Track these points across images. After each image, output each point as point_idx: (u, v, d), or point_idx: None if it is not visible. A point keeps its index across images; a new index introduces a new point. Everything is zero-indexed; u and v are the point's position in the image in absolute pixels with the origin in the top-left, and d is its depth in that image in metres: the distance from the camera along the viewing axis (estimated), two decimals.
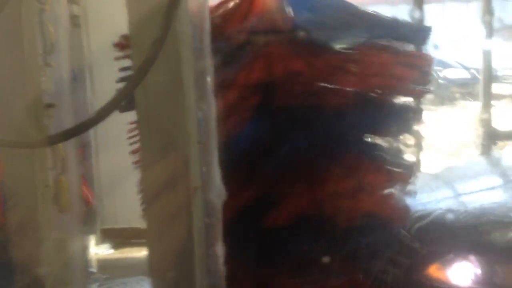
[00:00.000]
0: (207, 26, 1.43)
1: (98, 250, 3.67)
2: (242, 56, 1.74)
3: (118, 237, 3.83)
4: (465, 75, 9.73)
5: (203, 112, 1.39)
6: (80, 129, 1.27)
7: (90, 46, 4.21)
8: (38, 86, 1.32)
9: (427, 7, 4.80)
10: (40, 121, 1.31)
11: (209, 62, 1.42)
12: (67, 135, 1.24)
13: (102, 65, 4.11)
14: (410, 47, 2.05)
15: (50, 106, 1.34)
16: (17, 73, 1.31)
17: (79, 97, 3.88)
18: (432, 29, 2.06)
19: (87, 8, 4.20)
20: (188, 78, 1.28)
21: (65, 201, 1.38)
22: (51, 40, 1.36)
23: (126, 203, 3.83)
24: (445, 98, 8.72)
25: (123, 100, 1.25)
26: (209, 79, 1.42)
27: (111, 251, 3.76)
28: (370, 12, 2.01)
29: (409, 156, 2.04)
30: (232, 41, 1.72)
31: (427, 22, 4.52)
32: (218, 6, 1.82)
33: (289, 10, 1.77)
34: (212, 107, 1.43)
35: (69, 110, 1.46)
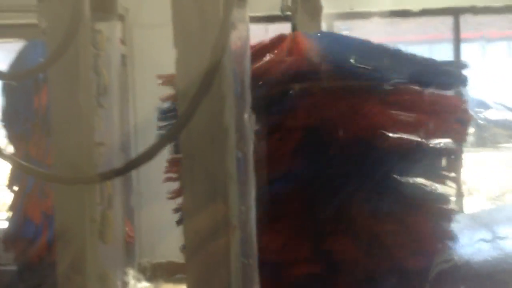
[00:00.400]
0: (248, 69, 1.50)
1: (136, 284, 3.71)
2: (285, 100, 1.79)
3: (156, 271, 3.87)
4: (507, 116, 9.52)
5: (243, 153, 1.44)
6: (130, 167, 1.34)
7: (135, 84, 4.41)
8: (91, 126, 1.41)
9: (466, 46, 4.79)
10: (91, 159, 1.40)
11: (249, 104, 1.49)
12: (117, 172, 1.30)
13: (145, 103, 4.29)
14: (449, 89, 2.06)
15: (100, 144, 1.42)
16: (72, 113, 1.41)
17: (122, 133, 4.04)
18: (469, 68, 2.05)
19: (134, 48, 4.43)
20: (230, 121, 1.34)
21: (110, 236, 1.44)
22: (104, 83, 1.46)
23: (164, 237, 3.91)
24: (487, 140, 8.53)
25: (170, 142, 1.32)
26: (249, 120, 1.49)
27: (149, 285, 3.80)
28: (408, 53, 2.05)
29: (450, 198, 2.01)
30: (274, 86, 1.78)
31: (466, 62, 4.51)
32: (258, 50, 1.89)
33: (329, 53, 1.84)
34: (251, 148, 1.49)
35: (117, 148, 1.54)
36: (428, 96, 1.94)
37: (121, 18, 4.33)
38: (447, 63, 2.17)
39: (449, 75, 2.03)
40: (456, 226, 1.95)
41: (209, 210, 1.31)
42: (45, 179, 1.46)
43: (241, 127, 1.46)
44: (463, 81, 2.02)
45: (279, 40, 1.93)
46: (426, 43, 8.60)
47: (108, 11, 1.54)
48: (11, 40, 4.13)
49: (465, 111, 2.00)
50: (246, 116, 1.47)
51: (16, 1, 3.70)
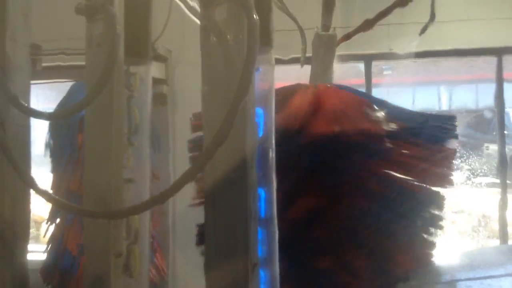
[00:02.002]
0: (272, 110, 1.55)
1: None
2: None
3: None
4: None
5: (266, 191, 1.47)
6: (155, 201, 1.39)
7: (175, 122, 4.56)
8: (121, 163, 1.49)
9: (509, 86, 4.70)
10: (120, 195, 1.46)
11: (272, 144, 1.52)
12: (142, 207, 1.36)
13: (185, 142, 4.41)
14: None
15: (129, 181, 1.49)
16: (104, 150, 1.49)
17: (161, 169, 4.16)
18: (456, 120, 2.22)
19: (175, 87, 4.60)
20: (252, 158, 1.38)
21: (136, 270, 1.49)
22: (136, 122, 1.54)
23: (198, 276, 3.91)
24: None
25: (194, 177, 1.36)
26: (272, 158, 1.52)
27: None
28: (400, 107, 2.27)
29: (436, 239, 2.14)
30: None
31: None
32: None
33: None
34: (273, 186, 1.52)
35: (146, 183, 1.60)
36: (417, 147, 2.08)
37: (164, 59, 4.53)
38: (436, 117, 2.26)
39: (439, 129, 2.16)
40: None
41: (229, 248, 1.34)
42: (75, 212, 1.53)
43: (264, 166, 1.49)
44: (452, 134, 2.15)
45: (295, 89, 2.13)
46: (469, 83, 8.46)
47: (142, 55, 1.64)
48: (62, 80, 4.37)
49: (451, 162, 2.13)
50: (270, 155, 1.51)
51: (69, 44, 3.95)
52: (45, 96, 5.32)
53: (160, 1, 2.94)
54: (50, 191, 3.27)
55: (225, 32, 1.40)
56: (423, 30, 2.50)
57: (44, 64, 4.13)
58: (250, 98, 1.40)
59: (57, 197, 1.57)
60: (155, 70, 4.36)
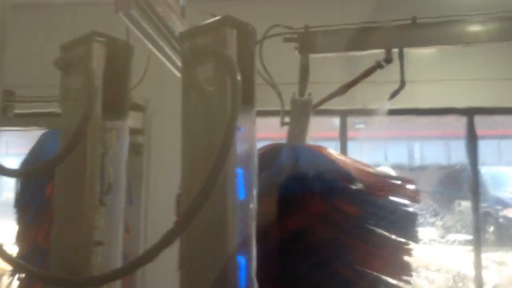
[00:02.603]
0: (254, 170, 1.50)
1: None
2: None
3: None
4: None
5: (246, 258, 1.40)
6: (129, 269, 1.30)
7: (150, 172, 4.46)
8: (91, 224, 1.40)
9: (481, 143, 4.80)
10: (89, 259, 1.36)
11: (254, 206, 1.46)
12: (113, 276, 1.26)
13: (160, 192, 4.31)
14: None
15: (99, 244, 1.39)
16: (74, 210, 1.40)
17: (133, 221, 4.02)
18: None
19: (152, 136, 4.54)
20: (232, 223, 1.32)
21: None
22: (109, 181, 1.47)
23: None
24: (506, 239, 8.27)
25: (171, 242, 1.29)
26: (253, 223, 1.46)
27: None
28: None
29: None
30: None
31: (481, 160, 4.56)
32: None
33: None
34: (254, 252, 1.45)
35: (118, 246, 1.50)
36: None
37: (141, 108, 4.49)
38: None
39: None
40: None
41: None
42: (39, 279, 1.42)
43: (245, 231, 1.42)
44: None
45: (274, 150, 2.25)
46: (441, 139, 8.66)
47: (120, 110, 1.59)
48: (35, 128, 4.26)
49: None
50: (250, 219, 1.44)
51: (42, 92, 3.88)
52: (16, 143, 5.17)
53: (138, 50, 2.94)
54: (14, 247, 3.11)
55: (207, 90, 1.37)
56: (393, 96, 2.61)
57: (16, 111, 4.03)
58: (231, 158, 1.36)
59: (19, 261, 1.45)
60: (131, 119, 4.31)
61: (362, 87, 4.52)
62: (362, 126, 6.63)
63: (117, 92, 1.58)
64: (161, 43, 2.79)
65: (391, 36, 2.62)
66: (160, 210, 3.73)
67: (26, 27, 4.66)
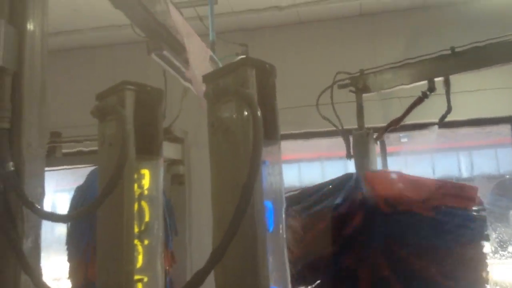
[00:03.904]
0: (282, 202, 1.55)
1: None
2: None
3: None
4: None
5: (278, 286, 1.44)
6: None
7: (191, 201, 4.57)
8: (131, 262, 1.48)
9: None
10: None
11: (283, 238, 1.50)
12: None
13: (202, 221, 4.40)
14: None
15: (139, 281, 1.47)
16: (115, 250, 1.49)
17: (179, 251, 4.12)
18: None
19: (191, 167, 4.66)
20: (262, 257, 1.36)
21: None
22: (146, 220, 1.55)
23: None
24: None
25: (205, 277, 1.34)
26: (284, 254, 1.49)
27: None
28: None
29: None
30: None
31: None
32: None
33: None
34: (288, 280, 1.48)
35: (159, 282, 1.58)
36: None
37: (181, 140, 4.63)
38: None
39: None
40: None
41: None
42: None
43: (276, 262, 1.46)
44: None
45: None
46: (489, 148, 8.38)
47: (153, 152, 1.68)
48: (81, 166, 4.47)
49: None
50: (281, 250, 1.48)
51: (86, 131, 4.08)
52: (65, 180, 5.42)
53: (175, 87, 3.07)
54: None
55: (231, 128, 1.44)
56: (441, 120, 2.91)
57: (64, 151, 4.25)
58: (257, 191, 1.41)
59: None
60: (172, 151, 4.46)
61: (400, 102, 4.54)
62: (406, 140, 6.55)
63: (149, 134, 1.67)
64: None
65: (433, 67, 2.88)
66: (204, 238, 3.82)
67: (68, 70, 4.95)
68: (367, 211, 2.39)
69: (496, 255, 5.43)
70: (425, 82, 2.89)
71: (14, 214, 1.48)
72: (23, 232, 1.49)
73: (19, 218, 1.49)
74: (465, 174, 8.98)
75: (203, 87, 1.56)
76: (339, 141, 3.32)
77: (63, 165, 4.03)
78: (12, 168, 1.44)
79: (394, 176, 2.65)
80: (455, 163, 9.13)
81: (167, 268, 3.44)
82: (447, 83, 2.85)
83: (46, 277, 1.49)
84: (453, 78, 2.97)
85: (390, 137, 4.92)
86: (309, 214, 2.54)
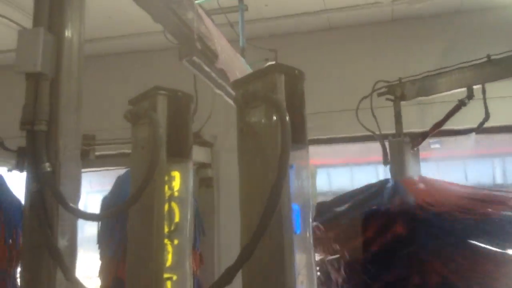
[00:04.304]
0: (310, 205, 1.57)
1: None
2: None
3: None
4: None
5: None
6: None
7: (220, 204, 4.63)
8: (161, 262, 1.52)
9: None
10: None
11: (310, 241, 1.52)
12: None
13: (229, 223, 4.45)
14: None
15: (168, 279, 1.51)
16: (145, 249, 1.53)
17: (206, 252, 4.18)
18: None
19: (220, 170, 4.72)
20: (290, 256, 1.38)
21: None
22: (176, 221, 1.59)
23: None
24: None
25: (233, 277, 1.37)
26: (311, 256, 1.51)
27: None
28: None
29: None
30: None
31: None
32: None
33: None
34: (315, 282, 1.50)
35: (187, 281, 1.61)
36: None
37: (210, 144, 4.70)
38: None
39: None
40: None
41: None
42: None
43: (303, 264, 1.48)
44: None
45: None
46: None
47: (183, 155, 1.73)
48: (114, 168, 4.57)
49: None
50: (308, 252, 1.51)
51: (119, 134, 4.19)
52: (99, 181, 5.56)
53: (205, 92, 3.13)
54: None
55: (260, 132, 1.47)
56: (479, 127, 2.95)
57: (97, 153, 4.37)
58: (285, 194, 1.43)
59: None
60: (201, 154, 4.53)
61: (409, 111, 4.52)
62: (437, 146, 6.45)
63: (180, 138, 1.72)
64: (224, 84, 2.96)
65: (470, 75, 2.94)
66: (231, 240, 3.86)
67: (102, 75, 5.09)
68: (408, 217, 2.42)
69: None
70: (462, 89, 2.94)
71: (50, 213, 1.55)
72: (58, 231, 1.55)
73: (55, 217, 1.55)
74: (498, 181, 8.77)
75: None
76: (367, 146, 3.33)
77: (96, 167, 4.14)
78: (49, 169, 1.51)
79: (433, 182, 2.73)
80: (488, 170, 8.93)
81: (195, 269, 3.49)
82: (483, 91, 2.90)
83: (78, 275, 1.56)
84: (488, 84, 2.97)
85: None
86: (348, 220, 2.57)
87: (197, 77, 2.87)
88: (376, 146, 3.19)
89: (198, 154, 4.28)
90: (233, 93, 2.49)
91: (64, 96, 1.57)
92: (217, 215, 4.56)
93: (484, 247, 2.32)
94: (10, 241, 3.12)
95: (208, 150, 4.61)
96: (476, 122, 3.44)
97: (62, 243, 1.57)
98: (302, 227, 1.50)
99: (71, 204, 1.48)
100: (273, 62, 1.53)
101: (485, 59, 2.87)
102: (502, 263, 2.33)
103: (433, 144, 6.34)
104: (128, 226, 1.62)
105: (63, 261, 1.47)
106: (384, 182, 2.76)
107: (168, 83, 1.74)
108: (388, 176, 3.02)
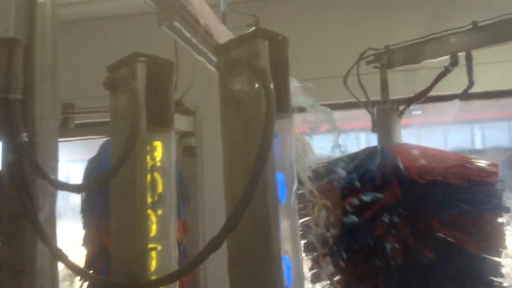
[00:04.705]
0: (293, 173, 1.56)
1: None
2: None
3: None
4: None
5: (291, 259, 1.46)
6: (182, 272, 1.40)
7: (203, 173, 4.61)
8: (144, 232, 1.51)
9: None
10: (145, 264, 1.47)
11: (295, 209, 1.52)
12: (168, 279, 1.36)
13: (214, 191, 4.44)
14: None
15: (153, 249, 1.50)
16: (128, 220, 1.51)
17: (192, 220, 4.19)
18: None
19: (203, 139, 4.69)
20: (275, 226, 1.38)
21: None
22: (159, 190, 1.57)
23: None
24: None
25: (218, 246, 1.36)
26: (296, 225, 1.51)
27: None
28: None
29: None
30: None
31: None
32: None
33: None
34: (300, 253, 1.50)
35: (172, 251, 1.61)
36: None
37: (192, 113, 4.64)
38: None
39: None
40: None
41: None
42: (101, 284, 1.55)
43: (288, 233, 1.48)
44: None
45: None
46: (503, 121, 8.28)
47: (165, 124, 1.69)
48: (95, 137, 4.50)
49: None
50: (292, 221, 1.50)
51: (100, 102, 4.11)
52: (78, 150, 5.49)
53: (187, 57, 3.06)
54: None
55: (243, 101, 1.44)
56: (463, 94, 2.95)
57: (76, 122, 4.28)
58: (270, 164, 1.41)
59: (84, 269, 1.59)
60: (183, 123, 4.47)
61: (413, 74, 4.51)
62: (419, 112, 6.49)
63: (161, 106, 1.68)
64: (205, 50, 2.89)
65: (456, 42, 2.92)
66: (216, 208, 3.87)
67: (79, 41, 4.94)
68: (402, 182, 2.47)
69: (507, 227, 5.44)
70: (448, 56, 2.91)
71: (28, 183, 1.51)
72: (38, 201, 1.52)
73: (33, 188, 1.52)
74: (477, 146, 8.92)
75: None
76: (349, 113, 3.29)
77: (76, 136, 4.07)
78: (26, 139, 1.46)
79: (418, 149, 2.75)
80: (468, 135, 9.06)
81: (180, 237, 3.50)
82: (468, 58, 2.88)
83: (62, 244, 1.54)
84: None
85: None
86: (343, 184, 2.59)
87: (177, 43, 2.80)
88: (357, 113, 3.19)
89: (181, 122, 4.22)
90: (215, 59, 2.44)
91: (39, 63, 1.51)
92: (201, 183, 4.55)
93: (466, 212, 2.42)
94: None
95: (191, 118, 4.55)
96: (458, 88, 3.46)
97: (42, 213, 1.54)
98: (286, 197, 1.49)
99: (50, 175, 1.44)
100: (256, 27, 1.48)
101: (470, 26, 2.84)
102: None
103: (414, 111, 6.38)
104: (111, 197, 1.60)
105: (44, 232, 1.45)
106: (372, 149, 2.79)
107: (148, 49, 1.68)
108: (371, 143, 3.03)
